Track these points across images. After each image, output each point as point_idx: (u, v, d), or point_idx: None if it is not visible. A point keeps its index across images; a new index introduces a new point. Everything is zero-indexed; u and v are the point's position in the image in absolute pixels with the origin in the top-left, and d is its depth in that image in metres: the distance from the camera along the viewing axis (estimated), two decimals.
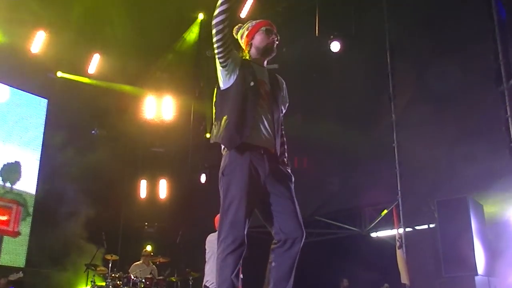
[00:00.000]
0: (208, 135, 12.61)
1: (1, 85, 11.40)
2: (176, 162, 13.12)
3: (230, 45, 3.37)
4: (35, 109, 11.91)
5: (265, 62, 3.67)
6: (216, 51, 3.35)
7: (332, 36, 9.88)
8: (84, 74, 11.90)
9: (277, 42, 3.64)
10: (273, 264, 3.35)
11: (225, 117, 3.37)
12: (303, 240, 3.33)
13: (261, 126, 3.39)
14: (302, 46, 10.23)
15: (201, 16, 11.35)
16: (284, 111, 3.70)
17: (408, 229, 8.74)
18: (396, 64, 9.20)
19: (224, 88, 3.46)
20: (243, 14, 10.82)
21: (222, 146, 3.43)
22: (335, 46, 9.89)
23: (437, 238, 8.16)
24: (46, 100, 12.07)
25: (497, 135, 7.74)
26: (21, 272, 9.47)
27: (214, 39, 3.31)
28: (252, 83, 3.43)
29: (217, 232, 3.33)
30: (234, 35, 3.71)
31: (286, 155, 3.59)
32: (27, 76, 10.95)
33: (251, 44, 3.63)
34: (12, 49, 10.13)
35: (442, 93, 8.55)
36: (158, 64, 12.49)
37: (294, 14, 10.63)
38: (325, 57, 9.99)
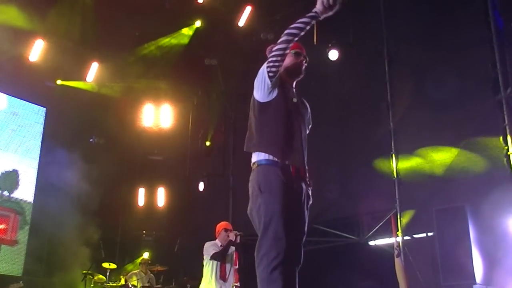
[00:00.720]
0: (208, 143, 12.63)
1: None
2: (174, 170, 13.10)
3: (280, 65, 3.47)
4: (33, 117, 11.90)
5: (294, 84, 3.77)
6: (272, 59, 3.42)
7: (330, 44, 9.90)
8: (83, 82, 11.87)
9: (305, 64, 3.75)
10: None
11: (270, 130, 3.47)
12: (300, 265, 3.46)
13: (297, 144, 3.50)
14: None
15: (198, 23, 11.32)
16: (308, 132, 3.78)
17: (406, 238, 8.73)
18: (394, 72, 9.22)
19: (263, 101, 3.52)
20: (241, 23, 10.85)
21: (253, 160, 3.49)
22: (333, 54, 9.91)
23: (435, 246, 8.17)
24: (44, 109, 12.06)
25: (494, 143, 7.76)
26: (21, 282, 9.42)
27: (278, 47, 3.40)
28: (294, 100, 3.59)
29: (256, 248, 3.32)
30: (267, 55, 3.72)
31: (308, 176, 3.65)
32: (25, 84, 10.97)
33: (283, 65, 3.67)
34: (10, 57, 10.12)
35: (440, 101, 8.55)
36: (156, 72, 12.48)
37: (292, 23, 10.62)
38: (323, 65, 10.00)
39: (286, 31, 3.43)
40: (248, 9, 10.75)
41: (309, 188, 3.58)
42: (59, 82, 11.88)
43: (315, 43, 10.14)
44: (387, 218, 9.09)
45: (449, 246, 7.95)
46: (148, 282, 10.08)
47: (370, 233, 9.77)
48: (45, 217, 10.77)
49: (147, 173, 13.25)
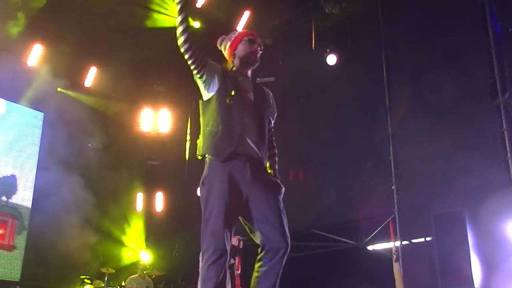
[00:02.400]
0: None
1: None
2: (172, 175, 13.10)
3: (202, 58, 3.38)
4: (31, 122, 11.88)
5: (249, 72, 3.67)
6: (189, 62, 3.37)
7: (328, 50, 9.93)
8: (81, 87, 11.86)
9: (260, 52, 3.64)
10: (257, 274, 3.32)
11: (210, 128, 3.39)
12: (287, 252, 3.28)
13: (245, 135, 3.35)
14: (299, 59, 10.26)
15: (197, 24, 11.27)
16: (272, 122, 3.67)
17: (404, 242, 8.74)
18: (391, 77, 9.24)
19: (206, 98, 3.47)
20: (239, 27, 10.86)
21: (206, 156, 3.40)
22: (332, 60, 9.94)
23: (434, 251, 8.17)
24: (42, 114, 12.04)
25: (492, 148, 7.77)
26: (18, 286, 9.41)
27: (185, 57, 3.34)
28: (233, 92, 3.42)
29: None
30: (218, 46, 3.74)
31: (277, 167, 3.60)
32: (24, 89, 10.95)
33: (234, 54, 3.63)
34: (8, 62, 10.12)
35: (438, 106, 8.56)
36: (154, 76, 12.48)
37: (290, 28, 10.67)
38: (321, 71, 10.02)
39: (177, 36, 3.32)
40: (246, 14, 10.77)
41: (276, 178, 3.50)
42: (59, 89, 11.84)
43: (313, 48, 10.19)
44: (385, 223, 9.10)
45: (447, 251, 7.96)
46: (146, 287, 10.07)
47: (369, 238, 9.81)
48: (43, 222, 10.73)
49: (145, 178, 13.25)
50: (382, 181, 8.92)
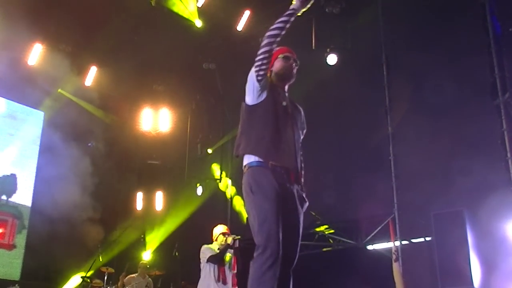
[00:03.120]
0: (210, 150, 12.60)
1: None
2: (172, 175, 13.11)
3: (268, 65, 3.51)
4: (31, 121, 11.89)
5: (286, 87, 3.78)
6: (258, 63, 3.44)
7: (328, 49, 9.92)
8: (81, 86, 11.85)
9: (296, 67, 3.77)
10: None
11: (257, 132, 3.49)
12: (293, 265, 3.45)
13: (287, 147, 3.50)
14: (299, 59, 10.21)
15: (198, 23, 11.21)
16: (302, 137, 3.80)
17: (404, 242, 8.73)
18: (391, 77, 9.23)
19: (252, 103, 3.56)
20: (240, 27, 10.86)
21: (245, 163, 3.51)
22: (332, 59, 9.93)
23: (434, 251, 8.20)
24: (42, 113, 12.05)
25: (493, 148, 7.77)
26: (17, 285, 9.43)
27: (263, 50, 3.41)
28: (284, 103, 3.59)
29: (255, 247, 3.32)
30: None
31: (303, 180, 3.67)
32: (24, 88, 10.95)
33: (271, 71, 3.72)
34: (9, 61, 10.12)
35: (438, 106, 8.56)
36: (154, 76, 12.48)
37: (290, 27, 10.63)
38: (321, 70, 10.00)
39: (267, 33, 3.44)
40: (246, 14, 10.76)
41: (303, 192, 3.58)
42: (59, 90, 11.85)
43: (313, 48, 10.17)
44: (385, 222, 9.11)
45: (447, 251, 7.98)
46: (146, 286, 10.05)
47: (369, 237, 9.81)
48: (43, 221, 10.74)
49: (145, 177, 13.26)
50: (382, 181, 8.91)
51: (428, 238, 8.67)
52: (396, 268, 8.28)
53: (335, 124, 10.06)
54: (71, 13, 10.19)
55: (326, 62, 9.97)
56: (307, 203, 3.58)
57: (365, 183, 9.16)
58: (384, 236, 9.33)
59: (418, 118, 8.76)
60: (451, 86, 8.46)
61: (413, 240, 9.00)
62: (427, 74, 8.93)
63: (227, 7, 10.72)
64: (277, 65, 3.73)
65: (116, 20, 10.53)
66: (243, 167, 3.54)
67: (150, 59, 11.74)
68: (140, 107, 13.06)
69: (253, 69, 3.48)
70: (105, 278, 9.57)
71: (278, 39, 3.45)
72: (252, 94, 3.55)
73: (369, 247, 10.02)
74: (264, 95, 3.53)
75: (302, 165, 3.72)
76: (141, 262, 10.70)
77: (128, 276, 10.25)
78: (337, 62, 9.95)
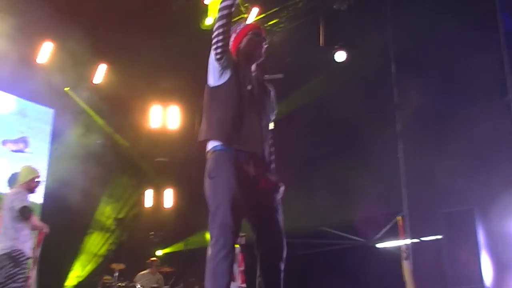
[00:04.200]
0: None
1: (7, 95, 11.45)
2: (181, 172, 13.11)
3: (228, 42, 3.33)
4: (41, 119, 11.94)
5: (253, 67, 3.59)
6: (214, 40, 3.28)
7: (336, 46, 9.87)
8: (90, 84, 11.88)
9: (265, 46, 3.57)
10: (260, 279, 3.31)
11: (218, 116, 3.33)
12: (283, 255, 3.29)
13: (251, 131, 3.31)
14: (307, 55, 10.22)
15: (209, 20, 11.22)
16: (272, 119, 3.62)
17: (414, 241, 8.75)
18: (400, 74, 9.19)
19: (214, 85, 3.39)
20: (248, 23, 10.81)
21: (208, 147, 3.35)
22: (340, 56, 9.88)
23: (443, 250, 8.14)
24: (52, 110, 12.10)
25: (503, 145, 7.72)
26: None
27: (216, 26, 3.26)
28: (249, 87, 3.40)
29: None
30: None
31: (274, 165, 3.52)
32: (34, 86, 10.96)
33: (239, 48, 3.56)
34: (19, 59, 10.16)
35: (447, 104, 8.52)
36: (163, 74, 12.48)
37: (298, 25, 10.61)
38: (329, 67, 9.97)
39: (219, 6, 3.27)
40: (255, 11, 10.72)
41: (275, 177, 3.42)
42: (66, 89, 11.91)
43: (321, 45, 10.13)
44: (395, 220, 9.06)
45: (457, 250, 7.90)
46: (157, 283, 10.12)
47: (378, 235, 9.84)
48: (53, 218, 10.78)
49: (154, 175, 13.28)
50: (392, 179, 8.88)
51: (438, 237, 8.59)
52: (406, 266, 8.28)
53: (343, 121, 10.00)
54: (80, 11, 10.18)
55: (334, 59, 9.90)
56: (282, 187, 3.38)
57: (375, 181, 9.13)
58: (393, 234, 9.29)
59: (427, 115, 8.72)
60: (460, 83, 8.41)
61: (423, 239, 8.96)
62: (435, 71, 8.84)
63: (237, 4, 10.66)
64: (246, 42, 3.53)
65: (125, 18, 10.53)
66: (206, 152, 3.37)
67: (158, 56, 11.74)
68: (148, 105, 13.07)
69: (212, 48, 3.32)
70: (115, 274, 9.61)
71: (232, 9, 3.26)
72: (213, 74, 3.38)
73: (379, 245, 10.02)
74: (226, 76, 3.35)
75: (272, 150, 3.54)
76: (151, 259, 10.75)
77: (139, 273, 10.32)
78: (345, 59, 9.87)
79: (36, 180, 6.22)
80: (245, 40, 3.53)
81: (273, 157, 3.54)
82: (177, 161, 13.08)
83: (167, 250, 12.66)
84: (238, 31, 3.57)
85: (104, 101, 12.02)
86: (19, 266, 5.78)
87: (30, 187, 6.15)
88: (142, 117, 13.05)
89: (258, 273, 3.33)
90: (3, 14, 9.48)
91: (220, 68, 3.34)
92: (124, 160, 12.41)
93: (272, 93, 3.66)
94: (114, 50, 11.52)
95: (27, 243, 5.96)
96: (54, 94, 11.45)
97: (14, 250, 5.76)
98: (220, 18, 3.25)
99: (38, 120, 11.88)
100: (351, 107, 9.89)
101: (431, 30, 8.99)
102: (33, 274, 6.16)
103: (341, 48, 9.86)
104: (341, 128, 10.01)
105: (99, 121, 12.25)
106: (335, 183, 9.87)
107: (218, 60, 3.31)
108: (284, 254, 3.28)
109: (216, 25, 3.27)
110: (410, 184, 8.69)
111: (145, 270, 10.48)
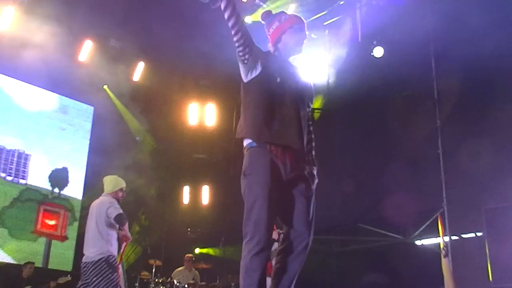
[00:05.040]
0: None
1: (50, 93, 11.72)
2: (218, 169, 13.17)
3: (249, 41, 3.28)
4: (82, 116, 12.20)
5: (291, 58, 3.59)
6: (234, 42, 3.25)
7: (375, 42, 9.77)
8: (130, 82, 12.05)
9: (305, 41, 3.55)
10: (278, 265, 3.30)
11: (251, 111, 3.32)
12: (309, 246, 3.28)
13: (286, 124, 3.28)
14: (345, 51, 10.15)
15: (249, 19, 11.32)
16: (311, 105, 3.57)
17: (454, 238, 8.55)
18: (440, 69, 9.04)
19: (246, 81, 3.38)
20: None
21: (244, 144, 3.35)
22: (378, 52, 9.78)
23: (485, 247, 7.92)
24: (92, 108, 12.33)
25: None
26: (69, 275, 9.69)
27: (233, 38, 3.23)
28: (278, 79, 3.35)
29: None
30: (261, 20, 3.63)
31: (314, 153, 3.48)
32: (75, 84, 11.20)
33: (280, 38, 3.51)
34: (60, 57, 10.36)
35: (488, 99, 8.35)
36: (201, 71, 12.57)
37: (336, 20, 10.54)
38: (368, 63, 9.88)
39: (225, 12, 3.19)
40: (292, 7, 10.67)
41: (313, 167, 3.39)
42: (105, 87, 12.15)
43: (359, 40, 10.05)
44: (434, 217, 8.95)
45: (499, 247, 7.70)
46: (193, 279, 10.17)
47: (417, 232, 9.67)
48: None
49: (192, 172, 13.36)
50: (431, 175, 8.76)
51: (479, 234, 8.41)
52: (446, 264, 8.21)
53: (381, 117, 9.91)
54: (120, 9, 10.32)
55: (373, 55, 9.80)
56: (316, 179, 3.38)
57: (414, 177, 9.01)
58: (433, 231, 9.15)
59: (468, 110, 8.57)
60: (501, 78, 8.23)
61: (463, 236, 8.78)
62: (477, 66, 8.66)
63: (273, 1, 10.66)
64: (289, 35, 3.48)
65: (163, 16, 10.63)
66: (243, 148, 3.37)
67: (196, 54, 11.81)
68: (186, 102, 13.17)
69: (236, 51, 3.29)
70: (153, 270, 9.72)
71: (235, 7, 3.18)
72: (243, 71, 3.37)
73: (417, 243, 9.88)
74: (256, 71, 3.33)
75: (313, 136, 3.49)
76: (187, 255, 10.82)
77: (176, 270, 10.40)
78: (383, 54, 9.77)
79: (123, 190, 6.58)
80: (288, 31, 3.49)
81: (312, 144, 3.50)
82: (214, 158, 13.15)
83: (203, 251, 12.71)
84: (282, 20, 3.52)
85: (143, 98, 12.18)
86: (115, 271, 6.09)
87: (117, 196, 6.50)
88: (180, 114, 13.16)
89: (276, 259, 3.32)
90: (44, 14, 9.65)
91: (245, 68, 3.34)
92: (162, 156, 12.50)
93: (309, 82, 3.63)
94: (153, 48, 11.63)
95: (116, 249, 6.27)
96: (94, 92, 11.66)
97: (110, 255, 6.09)
98: (228, 19, 3.20)
99: (79, 117, 12.13)
100: (389, 103, 9.81)
101: (472, 24, 8.82)
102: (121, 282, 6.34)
103: (379, 43, 9.73)
104: (380, 124, 9.92)
105: (137, 118, 12.39)
106: (373, 179, 9.79)
107: (242, 62, 3.32)
108: (308, 248, 3.28)
109: (234, 38, 3.23)
110: (450, 180, 8.52)
111: (181, 266, 10.56)
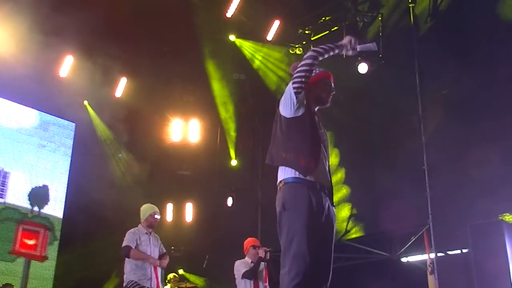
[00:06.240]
0: (235, 162, 12.53)
1: (29, 109, 11.53)
2: (202, 186, 13.05)
3: (308, 80, 3.46)
4: (63, 133, 12.01)
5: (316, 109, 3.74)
6: (297, 78, 3.42)
7: (359, 58, 9.78)
8: (112, 98, 11.93)
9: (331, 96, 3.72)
10: None
11: (295, 145, 3.43)
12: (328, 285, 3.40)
13: (321, 164, 3.46)
14: (329, 67, 10.13)
15: (232, 37, 11.36)
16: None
17: (440, 254, 8.55)
18: (425, 85, 9.08)
19: (290, 116, 3.48)
20: (269, 36, 10.81)
21: (280, 178, 3.45)
22: (363, 68, 9.79)
23: (471, 263, 7.93)
24: (74, 124, 12.17)
25: None
26: None
27: (302, 64, 3.42)
28: (317, 119, 3.57)
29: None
30: (291, 71, 3.73)
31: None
32: (56, 100, 11.04)
33: (312, 89, 3.62)
34: (40, 73, 10.23)
35: (473, 114, 8.38)
36: (184, 87, 12.50)
37: (321, 37, 10.56)
38: (352, 79, 9.88)
39: (311, 49, 3.48)
40: (276, 23, 10.72)
41: (333, 207, 3.54)
42: (85, 103, 12.04)
43: (344, 56, 10.04)
44: (420, 234, 8.94)
45: (485, 264, 7.69)
46: None
47: (403, 249, 9.63)
48: (74, 233, 10.79)
49: (175, 189, 13.21)
50: (416, 191, 8.75)
51: (464, 250, 8.42)
52: (432, 281, 8.20)
53: (367, 133, 9.91)
54: (102, 24, 10.24)
55: (358, 71, 9.81)
56: (335, 218, 3.55)
57: (399, 194, 9.01)
58: (418, 247, 9.15)
59: (453, 126, 8.58)
60: (486, 94, 8.27)
61: (449, 252, 8.80)
62: (460, 81, 8.70)
63: (257, 17, 10.69)
64: (321, 88, 3.67)
65: (146, 32, 10.57)
66: (278, 182, 3.49)
67: (180, 70, 11.76)
68: (169, 118, 13.08)
69: (292, 83, 3.45)
70: None
71: (320, 58, 3.45)
72: (289, 108, 3.47)
73: (403, 259, 9.84)
74: (302, 110, 3.47)
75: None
76: (172, 274, 10.65)
77: None
78: (368, 70, 9.78)
79: (153, 215, 6.87)
80: (321, 84, 3.66)
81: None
82: (198, 175, 13.02)
83: (188, 276, 12.54)
84: (316, 72, 3.67)
85: (125, 114, 12.04)
86: None
87: (149, 223, 6.85)
88: (163, 131, 13.05)
89: None
90: (24, 28, 9.54)
91: (296, 103, 3.45)
92: (144, 173, 12.36)
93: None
94: (135, 64, 11.56)
95: (139, 273, 6.53)
96: (75, 108, 11.53)
97: (128, 282, 6.43)
98: (309, 57, 3.42)
99: (60, 134, 11.96)
100: (374, 119, 9.79)
101: (456, 40, 8.88)
102: None
103: (364, 59, 9.73)
104: (362, 140, 9.92)
105: (120, 134, 12.26)
106: (357, 195, 9.78)
107: (296, 94, 3.43)
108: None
109: (304, 62, 3.42)
110: (435, 196, 8.53)
111: (165, 286, 10.38)
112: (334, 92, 3.72)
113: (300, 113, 3.46)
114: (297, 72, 3.42)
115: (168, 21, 10.81)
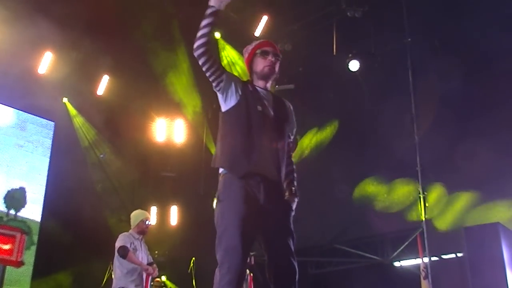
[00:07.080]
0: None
1: (6, 108, 11.16)
2: (187, 188, 12.83)
3: (218, 68, 3.30)
4: (41, 132, 11.65)
5: (268, 85, 3.55)
6: (206, 72, 3.30)
7: (350, 55, 9.65)
8: (93, 96, 11.63)
9: (277, 62, 3.50)
10: None
11: (228, 141, 3.34)
12: (295, 280, 3.22)
13: (263, 154, 3.27)
14: (320, 65, 10.04)
15: (217, 34, 11.19)
16: (292, 137, 3.56)
17: (434, 258, 8.48)
18: (418, 83, 8.95)
19: (224, 110, 3.40)
20: (257, 32, 10.62)
21: (220, 171, 3.33)
22: (354, 65, 9.64)
23: (466, 268, 7.80)
24: (53, 123, 11.81)
25: None
26: None
27: (200, 64, 3.27)
28: (259, 108, 3.36)
29: None
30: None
31: (295, 183, 3.50)
32: (34, 98, 10.71)
33: (251, 68, 3.55)
34: (18, 70, 9.93)
35: (467, 112, 8.35)
36: (169, 86, 12.25)
37: (311, 33, 10.41)
38: (342, 77, 9.76)
39: (196, 39, 3.25)
40: (264, 19, 10.54)
41: (293, 199, 3.40)
42: (64, 100, 11.74)
43: (334, 53, 9.93)
44: (413, 237, 8.90)
45: (480, 268, 7.58)
46: None
47: (395, 253, 9.63)
48: (53, 237, 10.48)
49: (159, 191, 12.98)
50: (409, 193, 8.66)
51: (459, 254, 8.39)
52: (425, 286, 8.08)
53: (358, 133, 9.81)
54: (83, 20, 9.98)
55: (348, 68, 9.64)
56: (293, 212, 3.36)
57: (391, 196, 8.93)
58: (412, 252, 9.12)
59: (446, 125, 8.46)
60: (480, 91, 8.19)
61: (443, 256, 8.79)
62: (454, 79, 8.61)
63: (244, 12, 10.50)
64: (255, 61, 3.50)
65: (130, 28, 10.31)
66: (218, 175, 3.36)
67: (164, 68, 11.52)
68: (154, 117, 12.82)
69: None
70: None
71: (208, 37, 3.24)
72: (220, 100, 3.39)
73: (396, 264, 9.85)
74: (233, 100, 3.34)
75: (294, 167, 3.54)
76: (156, 279, 10.42)
77: None
78: (360, 68, 9.63)
79: (145, 221, 6.81)
80: (254, 59, 3.51)
81: (294, 175, 3.53)
82: (183, 177, 12.82)
83: (171, 270, 12.28)
84: (249, 50, 3.56)
85: (107, 113, 11.78)
86: None
87: (140, 229, 6.77)
88: (147, 130, 12.82)
89: None
90: (2, 25, 9.23)
91: (222, 96, 3.37)
92: (127, 175, 12.09)
93: (291, 108, 3.61)
94: (118, 61, 11.33)
95: (129, 279, 6.47)
96: (55, 106, 11.27)
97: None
98: (198, 56, 3.24)
99: (38, 133, 11.62)
100: (365, 117, 9.69)
101: (450, 36, 8.79)
102: None
103: (355, 56, 9.58)
104: (353, 140, 9.84)
105: (101, 134, 11.98)
106: (348, 198, 9.63)
107: (216, 90, 3.36)
108: (296, 279, 3.24)
109: (200, 62, 3.26)
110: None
111: None
112: (278, 58, 3.48)
113: (232, 103, 3.34)
114: (200, 64, 3.28)
115: (152, 17, 10.57)
